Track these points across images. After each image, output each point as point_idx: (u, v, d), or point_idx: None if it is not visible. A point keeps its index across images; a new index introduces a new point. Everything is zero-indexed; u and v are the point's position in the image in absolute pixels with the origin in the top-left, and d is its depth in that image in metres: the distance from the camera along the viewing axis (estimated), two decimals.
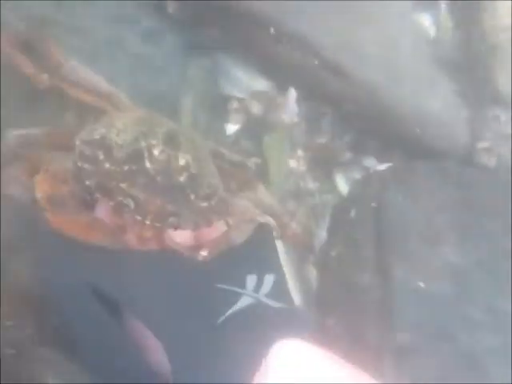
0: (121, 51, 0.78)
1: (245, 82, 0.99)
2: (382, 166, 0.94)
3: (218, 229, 0.66)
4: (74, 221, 0.57)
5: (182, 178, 0.59)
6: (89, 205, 0.61)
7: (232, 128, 1.01)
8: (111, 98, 0.70)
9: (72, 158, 0.58)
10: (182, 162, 0.60)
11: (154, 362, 0.59)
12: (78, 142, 0.59)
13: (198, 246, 0.62)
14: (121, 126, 0.60)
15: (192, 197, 0.60)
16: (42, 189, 0.56)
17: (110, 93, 0.70)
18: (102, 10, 0.78)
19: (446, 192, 0.88)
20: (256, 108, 1.00)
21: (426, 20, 1.18)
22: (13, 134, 0.63)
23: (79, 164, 0.57)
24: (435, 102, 0.97)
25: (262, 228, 0.76)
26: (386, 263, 0.83)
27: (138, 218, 0.57)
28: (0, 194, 0.65)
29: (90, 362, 0.58)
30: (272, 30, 0.82)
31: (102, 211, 0.61)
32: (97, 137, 0.59)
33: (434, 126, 0.96)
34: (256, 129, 1.02)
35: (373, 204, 0.88)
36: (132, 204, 0.56)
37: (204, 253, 0.61)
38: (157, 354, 0.58)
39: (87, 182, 0.56)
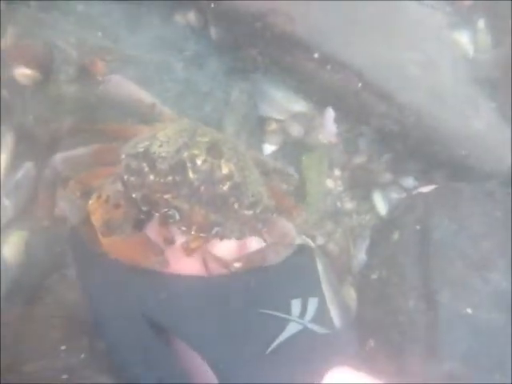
0: (168, 77, 0.80)
1: (284, 104, 1.00)
2: (426, 188, 0.93)
3: (255, 244, 0.66)
4: (126, 242, 0.58)
5: (225, 187, 0.59)
6: (142, 224, 0.62)
7: (269, 148, 1.02)
8: (155, 108, 0.71)
9: (120, 179, 0.59)
10: (225, 170, 0.60)
11: None
12: (123, 156, 0.60)
13: (232, 260, 0.62)
14: (163, 138, 0.60)
15: (236, 206, 0.59)
16: (97, 215, 0.57)
17: (153, 104, 0.71)
18: (149, 38, 0.81)
19: (494, 216, 0.85)
20: (295, 129, 1.00)
21: (463, 38, 1.17)
22: (59, 157, 0.64)
23: (125, 177, 0.58)
24: (478, 123, 0.96)
25: (303, 250, 0.76)
26: (431, 288, 0.81)
27: (183, 228, 0.57)
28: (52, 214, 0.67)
29: None
30: (316, 55, 0.83)
31: (152, 227, 0.62)
32: (141, 150, 0.59)
33: (477, 147, 0.94)
34: (294, 149, 1.02)
35: (417, 227, 0.86)
36: (177, 215, 0.57)
37: (237, 264, 0.61)
38: (205, 378, 0.58)
39: (133, 195, 0.57)
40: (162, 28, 0.84)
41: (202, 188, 0.58)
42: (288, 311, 0.63)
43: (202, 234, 0.58)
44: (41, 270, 0.79)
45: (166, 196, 0.57)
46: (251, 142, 0.96)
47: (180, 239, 0.60)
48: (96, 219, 0.57)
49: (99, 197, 0.58)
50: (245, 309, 0.61)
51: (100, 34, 0.78)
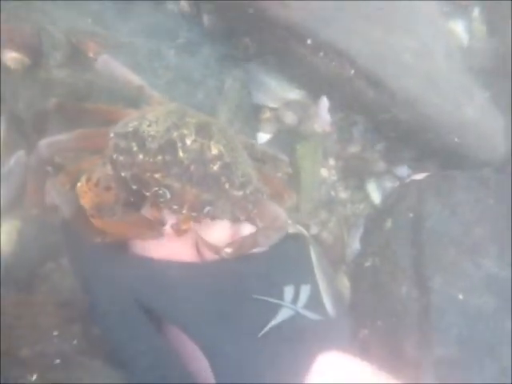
0: (160, 64, 0.79)
1: (278, 92, 0.99)
2: (419, 176, 0.93)
3: (247, 230, 0.66)
4: (119, 223, 0.57)
5: (215, 167, 0.59)
6: (134, 205, 0.60)
7: (264, 137, 1.01)
8: (143, 90, 0.70)
9: (110, 159, 0.58)
10: (214, 151, 0.59)
11: (196, 371, 0.59)
12: (112, 135, 0.59)
13: (223, 245, 0.61)
14: (153, 118, 0.60)
15: (227, 185, 0.59)
16: (87, 198, 0.56)
17: (141, 85, 0.70)
18: (141, 25, 0.80)
19: (486, 203, 0.85)
20: (289, 118, 1.00)
21: (458, 26, 1.17)
22: (43, 143, 0.63)
23: (114, 157, 0.57)
24: (472, 111, 0.96)
25: (297, 238, 0.76)
26: (423, 275, 0.81)
27: (175, 207, 0.57)
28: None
29: (132, 370, 0.59)
30: (309, 41, 0.82)
31: (143, 210, 0.62)
32: (130, 129, 0.59)
33: (471, 134, 0.95)
34: (288, 138, 1.02)
35: (410, 214, 0.86)
36: (168, 194, 0.56)
37: (228, 250, 0.61)
38: (198, 363, 0.58)
39: (123, 174, 0.57)
40: (154, 15, 0.84)
41: (193, 167, 0.57)
42: (280, 297, 0.63)
43: (193, 213, 0.58)
44: (34, 258, 0.79)
45: (156, 175, 0.57)
46: (245, 131, 0.96)
47: (171, 220, 0.59)
48: (86, 202, 0.56)
49: (89, 179, 0.57)
50: (237, 294, 0.61)
51: (90, 19, 0.77)
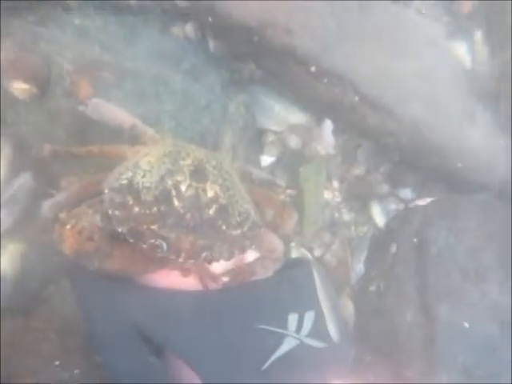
0: (165, 90, 0.80)
1: (282, 116, 1.00)
2: (423, 201, 0.93)
3: (249, 256, 0.66)
4: (103, 269, 0.58)
5: (211, 211, 0.59)
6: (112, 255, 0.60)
7: (267, 160, 1.02)
8: (136, 129, 0.70)
9: (100, 211, 0.59)
10: (210, 194, 0.59)
11: None
12: (106, 191, 0.59)
13: (221, 274, 0.62)
14: (146, 167, 0.60)
15: (224, 227, 0.59)
16: (68, 244, 0.57)
17: (133, 125, 0.70)
18: (147, 51, 0.81)
19: (490, 228, 0.85)
20: (293, 141, 1.00)
21: (461, 48, 1.17)
22: (46, 206, 0.64)
23: (110, 212, 0.57)
24: (474, 135, 0.96)
25: (300, 263, 0.75)
26: (428, 301, 0.81)
27: (172, 257, 0.57)
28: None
29: None
30: (313, 69, 0.83)
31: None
32: (124, 182, 0.59)
33: (473, 159, 0.95)
34: (292, 161, 1.02)
35: (414, 239, 0.86)
36: (164, 245, 0.56)
37: (225, 278, 0.61)
38: None
39: (120, 229, 0.56)
40: (160, 40, 0.84)
41: (189, 215, 0.57)
42: (285, 326, 0.62)
43: (190, 261, 0.57)
44: (36, 281, 0.79)
45: (152, 227, 0.56)
46: (249, 154, 0.96)
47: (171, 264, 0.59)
48: (66, 247, 0.57)
49: (73, 227, 0.58)
50: (240, 324, 0.61)
51: (97, 47, 0.78)
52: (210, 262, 0.60)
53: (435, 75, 0.97)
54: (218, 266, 0.63)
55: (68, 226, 0.58)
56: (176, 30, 0.89)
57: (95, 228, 0.58)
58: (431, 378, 0.79)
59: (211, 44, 0.89)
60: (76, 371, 0.58)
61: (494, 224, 0.87)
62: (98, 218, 0.58)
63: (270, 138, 1.01)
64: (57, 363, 0.58)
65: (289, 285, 0.69)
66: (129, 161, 0.63)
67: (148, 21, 0.84)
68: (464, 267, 0.82)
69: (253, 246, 0.64)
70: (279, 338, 0.60)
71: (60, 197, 0.64)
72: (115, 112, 0.71)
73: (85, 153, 0.68)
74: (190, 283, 0.62)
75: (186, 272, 0.59)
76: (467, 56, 1.17)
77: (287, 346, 0.60)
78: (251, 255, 0.67)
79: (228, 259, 0.61)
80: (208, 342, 0.58)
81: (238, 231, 0.61)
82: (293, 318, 0.64)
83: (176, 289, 0.60)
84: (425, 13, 1.07)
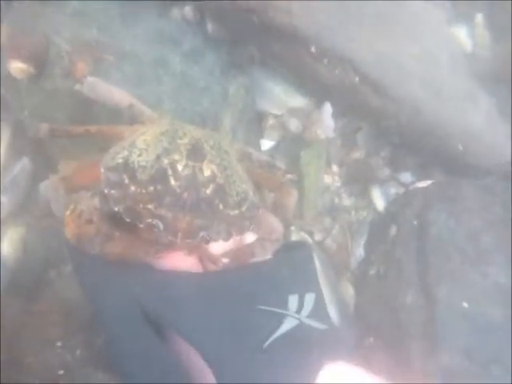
0: (165, 72, 0.79)
1: (282, 99, 0.99)
2: (424, 183, 0.92)
3: (248, 237, 0.65)
4: (105, 252, 0.58)
5: (208, 191, 0.58)
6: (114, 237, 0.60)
7: (267, 144, 1.01)
8: (133, 108, 0.69)
9: (100, 193, 0.58)
10: (207, 173, 0.59)
11: (200, 381, 0.58)
12: (102, 170, 0.58)
13: (220, 255, 0.62)
14: (143, 145, 0.59)
15: (221, 207, 0.58)
16: (69, 229, 0.57)
17: (131, 103, 0.69)
18: (145, 33, 0.80)
19: (492, 210, 0.85)
20: (293, 124, 1.00)
21: (461, 32, 1.16)
22: (43, 186, 0.65)
23: (106, 191, 0.57)
24: (476, 118, 0.95)
25: (300, 246, 0.75)
26: (429, 284, 0.81)
27: (169, 237, 0.56)
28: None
29: (136, 380, 0.58)
30: (313, 49, 0.82)
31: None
32: (120, 161, 0.58)
33: (475, 142, 0.94)
34: (292, 144, 1.02)
35: (414, 222, 0.86)
36: (160, 225, 0.56)
37: (225, 260, 0.61)
38: (203, 373, 0.58)
39: (116, 209, 0.56)
40: (159, 23, 0.84)
41: (185, 194, 0.57)
42: (285, 306, 0.63)
43: (188, 240, 0.57)
44: (38, 265, 0.79)
45: (148, 206, 0.56)
46: (249, 137, 0.95)
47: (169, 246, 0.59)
48: (68, 232, 0.57)
49: (73, 210, 0.57)
50: (241, 304, 0.61)
51: (95, 29, 0.77)
52: (207, 242, 0.59)
53: (436, 58, 0.97)
54: (217, 248, 0.63)
55: (68, 212, 0.57)
56: (175, 12, 0.88)
57: (94, 210, 0.57)
58: (432, 359, 0.79)
59: (210, 26, 0.88)
60: (78, 352, 0.59)
61: (495, 207, 0.86)
62: (96, 200, 0.58)
63: (270, 121, 1.00)
64: (59, 344, 0.58)
65: (289, 266, 0.69)
66: (125, 140, 0.62)
67: (147, 3, 0.83)
68: (464, 249, 0.82)
69: (251, 227, 0.63)
70: (280, 318, 0.61)
71: (55, 178, 0.63)
72: (112, 91, 0.69)
73: (82, 132, 0.67)
74: (190, 264, 0.62)
75: (188, 252, 0.59)
76: (468, 40, 1.16)
77: (287, 325, 0.60)
78: (250, 237, 0.67)
79: (226, 239, 0.60)
80: (209, 322, 0.59)
81: (236, 211, 0.60)
82: (293, 299, 0.64)
83: (177, 270, 0.60)
84: None
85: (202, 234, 0.57)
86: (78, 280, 0.64)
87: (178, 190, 0.57)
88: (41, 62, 0.72)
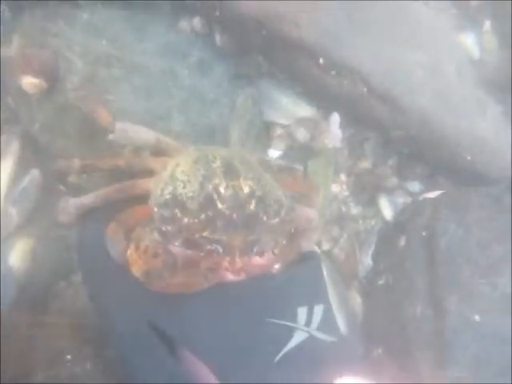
0: (174, 84, 0.80)
1: (289, 109, 0.99)
2: (433, 193, 0.92)
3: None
4: (172, 284, 0.59)
5: (252, 206, 0.61)
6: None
7: (275, 153, 1.01)
8: (160, 142, 0.71)
9: (155, 228, 0.60)
10: (246, 189, 0.61)
11: None
12: (155, 209, 0.61)
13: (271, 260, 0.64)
14: (183, 177, 0.62)
15: (265, 218, 0.61)
16: (137, 267, 0.58)
17: (157, 140, 0.71)
18: (154, 45, 0.81)
19: (501, 221, 0.84)
20: (301, 134, 1.00)
21: (469, 40, 1.16)
22: (72, 202, 0.67)
23: (163, 228, 0.59)
24: (484, 127, 0.95)
25: (308, 256, 0.75)
26: (438, 295, 0.81)
27: (227, 258, 0.59)
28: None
29: None
30: (321, 61, 0.83)
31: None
32: (168, 196, 0.60)
33: (483, 152, 0.93)
34: (299, 154, 1.02)
35: (423, 232, 0.85)
36: (220, 249, 0.58)
37: (277, 264, 0.65)
38: None
39: (176, 244, 0.58)
40: (167, 35, 0.84)
41: (234, 215, 0.59)
42: (294, 319, 0.63)
43: (245, 257, 0.59)
44: (47, 276, 0.79)
45: (204, 234, 0.58)
46: (257, 148, 0.96)
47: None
48: (136, 270, 0.58)
49: (137, 248, 0.59)
50: (252, 318, 0.61)
51: (105, 41, 0.78)
52: (261, 255, 0.62)
53: (443, 67, 0.96)
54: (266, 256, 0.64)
55: (130, 251, 0.59)
56: (183, 24, 0.89)
57: (157, 244, 0.60)
58: (441, 371, 0.78)
59: (218, 38, 0.89)
60: (87, 365, 0.59)
61: (503, 216, 0.86)
62: (156, 234, 0.60)
63: (278, 131, 1.00)
64: (68, 357, 0.58)
65: (298, 278, 0.70)
66: (160, 174, 0.65)
67: (156, 15, 0.84)
68: (474, 260, 0.81)
69: (293, 230, 0.66)
70: (289, 332, 0.61)
71: (86, 199, 0.66)
72: (139, 131, 0.71)
73: (111, 166, 0.69)
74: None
75: (237, 272, 0.60)
76: (476, 47, 1.16)
77: (298, 338, 0.61)
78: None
79: (275, 248, 0.63)
80: (220, 336, 0.59)
81: (277, 219, 0.63)
82: (302, 311, 0.64)
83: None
84: (432, 4, 1.06)
85: (255, 248, 0.60)
86: (88, 291, 0.64)
87: (227, 212, 0.59)
88: (52, 77, 0.73)
